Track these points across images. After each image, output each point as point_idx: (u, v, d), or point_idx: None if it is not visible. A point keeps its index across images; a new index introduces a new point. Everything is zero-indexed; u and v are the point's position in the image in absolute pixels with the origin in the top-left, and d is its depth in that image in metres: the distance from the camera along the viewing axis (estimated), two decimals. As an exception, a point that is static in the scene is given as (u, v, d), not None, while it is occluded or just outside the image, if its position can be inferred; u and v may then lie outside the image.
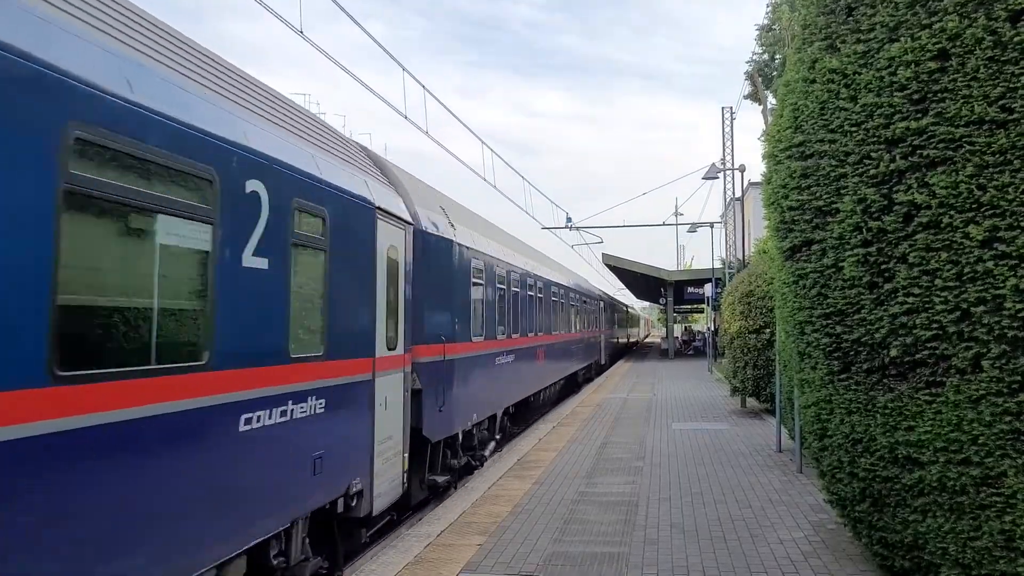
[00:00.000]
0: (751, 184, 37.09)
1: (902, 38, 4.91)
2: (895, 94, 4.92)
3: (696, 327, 71.79)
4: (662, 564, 6.20)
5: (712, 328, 33.95)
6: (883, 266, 5.00)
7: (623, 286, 62.57)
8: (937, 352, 4.77)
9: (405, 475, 8.25)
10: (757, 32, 42.01)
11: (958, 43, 4.69)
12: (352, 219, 6.93)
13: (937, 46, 4.75)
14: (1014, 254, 4.47)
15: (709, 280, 33.24)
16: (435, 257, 9.64)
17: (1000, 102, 4.55)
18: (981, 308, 4.57)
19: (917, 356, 4.87)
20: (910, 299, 4.84)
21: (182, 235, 4.60)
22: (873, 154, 5.03)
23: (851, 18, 5.29)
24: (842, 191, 5.21)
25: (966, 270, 4.62)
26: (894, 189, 4.93)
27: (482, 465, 11.64)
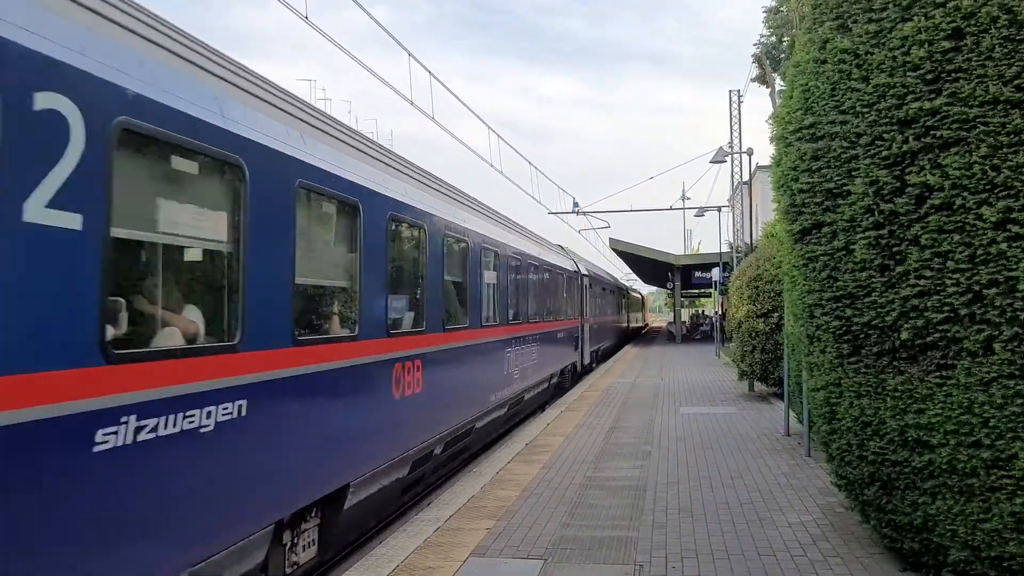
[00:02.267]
0: (758, 167, 36.90)
1: (915, 17, 4.85)
2: (908, 74, 4.86)
3: (706, 311, 71.55)
4: (671, 548, 6.21)
5: (719, 312, 33.93)
6: (894, 248, 4.96)
7: (630, 270, 62.49)
8: (948, 335, 4.75)
9: (580, 362, 22.71)
10: (765, 14, 41.69)
11: (973, 22, 4.63)
12: (570, 275, 21.01)
13: (951, 25, 4.70)
14: (1027, 236, 4.43)
15: (716, 264, 33.16)
16: (587, 284, 25.01)
17: (1015, 82, 4.50)
18: (994, 290, 4.54)
19: (928, 339, 4.84)
20: (921, 281, 4.81)
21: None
22: (885, 135, 4.98)
23: (863, -3, 5.22)
24: (853, 173, 5.17)
25: (979, 252, 4.58)
26: (906, 171, 4.89)
27: (592, 370, 25.51)
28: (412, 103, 15.44)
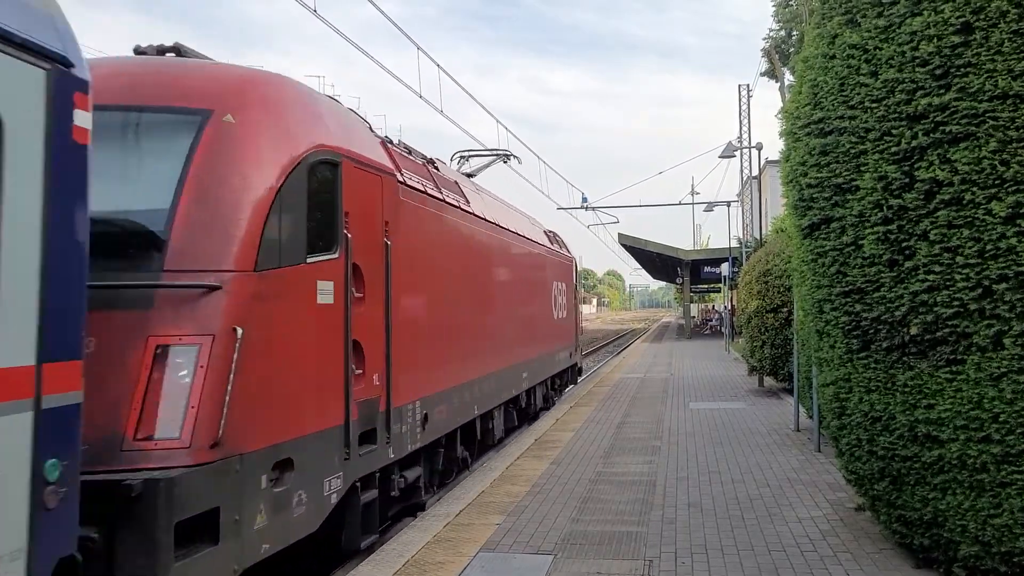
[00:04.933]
0: (768, 162, 36.76)
1: (924, 11, 4.83)
2: (917, 69, 4.85)
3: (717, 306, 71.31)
4: (680, 543, 6.23)
5: (728, 307, 33.87)
6: (903, 243, 4.95)
7: (639, 265, 62.39)
8: (958, 330, 4.74)
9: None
10: (774, 8, 41.47)
11: (982, 16, 4.61)
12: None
13: (960, 19, 4.68)
14: (1037, 230, 4.42)
15: (726, 259, 33.10)
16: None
17: (1024, 76, 4.48)
18: (1003, 285, 4.53)
19: (938, 334, 4.83)
20: (931, 276, 4.80)
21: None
22: (894, 130, 4.97)
23: (872, -9, 5.20)
24: (862, 168, 5.16)
25: (988, 247, 4.57)
26: (915, 166, 4.87)
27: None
28: (420, 96, 15.47)
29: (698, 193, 49.44)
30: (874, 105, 5.08)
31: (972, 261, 4.63)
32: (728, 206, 38.12)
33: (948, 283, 4.74)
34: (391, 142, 7.76)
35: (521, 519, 6.97)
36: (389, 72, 14.10)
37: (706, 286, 56.56)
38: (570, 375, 18.88)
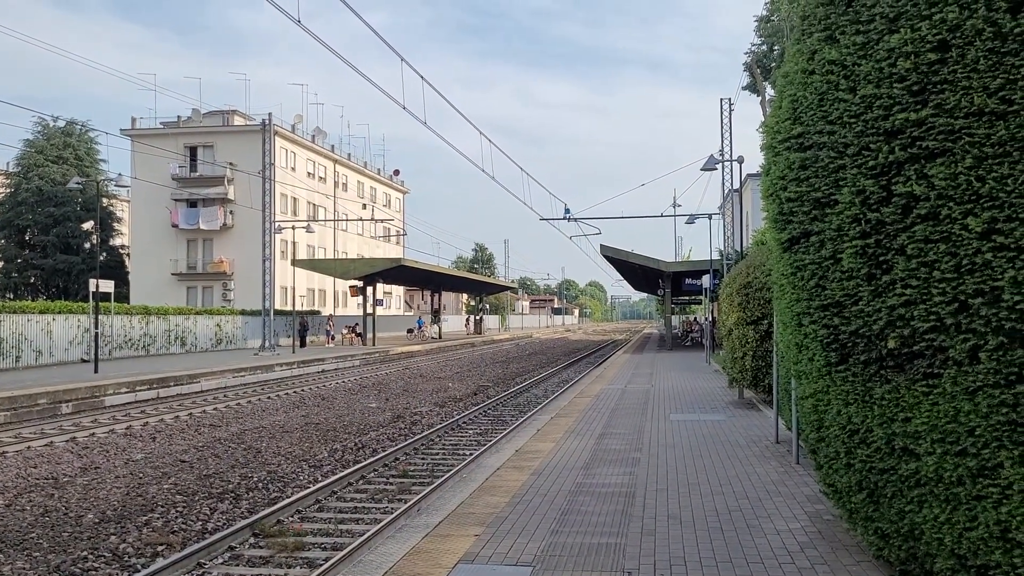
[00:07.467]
0: (749, 176, 37.08)
1: (902, 29, 4.89)
2: (894, 85, 4.90)
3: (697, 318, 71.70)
4: (659, 555, 6.22)
5: (709, 319, 34.05)
6: (881, 258, 4.99)
7: (621, 277, 62.60)
8: (935, 344, 4.78)
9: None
10: (756, 23, 41.96)
11: (958, 34, 4.67)
12: None
13: (937, 37, 4.73)
14: (1012, 246, 4.46)
15: (707, 271, 33.29)
16: None
17: (1000, 94, 4.53)
18: (979, 300, 4.57)
19: (915, 348, 4.87)
20: (908, 291, 4.84)
21: None
22: (872, 145, 5.02)
23: (851, 9, 5.27)
24: (841, 183, 5.20)
25: (964, 262, 4.61)
26: (893, 180, 4.92)
27: None
28: (404, 107, 15.50)
29: (680, 205, 49.81)
30: (852, 120, 5.13)
31: (948, 276, 4.67)
32: (710, 218, 38.40)
33: (925, 297, 4.78)
34: None
35: (500, 530, 6.94)
36: (373, 83, 14.15)
37: (687, 298, 56.89)
38: None
